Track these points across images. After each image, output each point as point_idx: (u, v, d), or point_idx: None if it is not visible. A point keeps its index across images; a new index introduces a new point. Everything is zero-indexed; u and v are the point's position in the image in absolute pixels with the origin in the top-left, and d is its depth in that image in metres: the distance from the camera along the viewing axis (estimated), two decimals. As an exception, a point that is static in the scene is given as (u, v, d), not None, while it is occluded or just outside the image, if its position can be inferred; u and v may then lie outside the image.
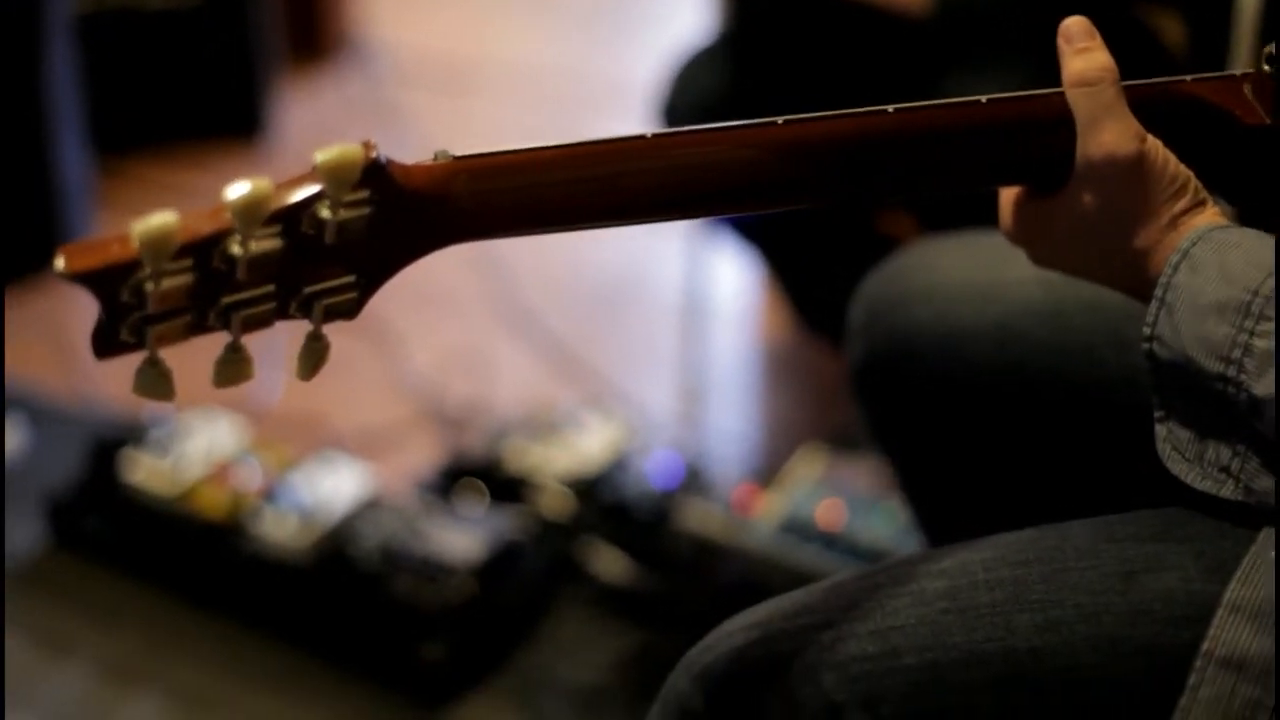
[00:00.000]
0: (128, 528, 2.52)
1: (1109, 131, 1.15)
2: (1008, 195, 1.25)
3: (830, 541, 2.37)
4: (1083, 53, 1.17)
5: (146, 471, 2.52)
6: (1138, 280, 1.18)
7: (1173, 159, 1.17)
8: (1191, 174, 1.17)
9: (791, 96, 2.46)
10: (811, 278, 2.81)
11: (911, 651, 1.16)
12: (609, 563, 2.45)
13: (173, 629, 2.45)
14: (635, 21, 5.24)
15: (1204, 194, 1.17)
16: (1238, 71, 1.24)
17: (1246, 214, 1.27)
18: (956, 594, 1.17)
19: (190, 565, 2.49)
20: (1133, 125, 1.16)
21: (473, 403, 2.93)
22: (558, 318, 3.28)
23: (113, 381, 2.79)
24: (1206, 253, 1.11)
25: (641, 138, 1.11)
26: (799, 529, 2.40)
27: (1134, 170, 1.15)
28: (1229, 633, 1.08)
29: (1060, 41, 1.19)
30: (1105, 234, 1.18)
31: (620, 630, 2.41)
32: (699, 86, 2.56)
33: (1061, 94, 1.18)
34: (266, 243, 0.98)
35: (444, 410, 2.93)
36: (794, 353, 3.30)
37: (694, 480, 2.57)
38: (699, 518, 2.44)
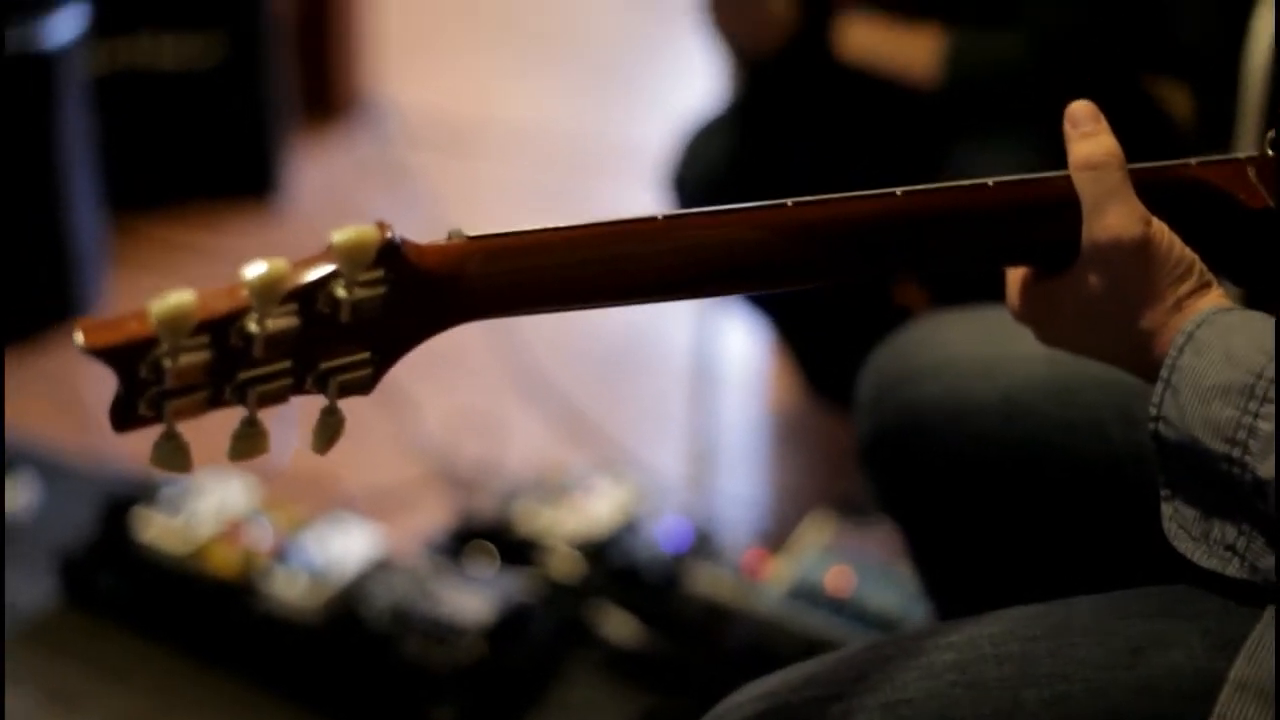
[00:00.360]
0: (139, 586, 2.53)
1: (1114, 215, 1.17)
2: (1014, 275, 1.26)
3: (839, 607, 2.38)
4: (1088, 137, 1.19)
5: (158, 530, 2.53)
6: (1143, 361, 1.19)
7: (1178, 242, 1.18)
8: (1196, 256, 1.19)
9: (801, 168, 2.49)
10: (822, 345, 2.82)
11: (921, 724, 1.17)
12: (618, 626, 2.46)
13: (183, 688, 2.46)
14: (644, 84, 5.27)
15: (1209, 276, 1.18)
16: (1242, 155, 1.26)
17: (1252, 296, 1.28)
18: (965, 668, 1.18)
19: (201, 624, 2.50)
20: (1138, 209, 1.17)
21: (483, 465, 2.95)
22: (568, 381, 3.30)
23: (125, 440, 2.79)
24: (1211, 335, 1.13)
25: (653, 219, 1.13)
26: (808, 594, 2.41)
27: (1139, 253, 1.17)
28: (1235, 710, 1.09)
29: (1066, 125, 1.20)
30: (1111, 315, 1.20)
31: (629, 694, 2.42)
32: (708, 158, 2.57)
33: (1067, 177, 1.19)
34: (283, 321, 0.99)
35: (455, 472, 2.94)
36: (803, 419, 3.31)
37: (703, 544, 2.58)
38: (708, 582, 2.45)
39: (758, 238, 1.15)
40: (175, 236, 3.87)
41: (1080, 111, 1.21)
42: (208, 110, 3.99)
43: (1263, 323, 1.13)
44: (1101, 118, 1.20)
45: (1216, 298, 1.18)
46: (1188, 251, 1.18)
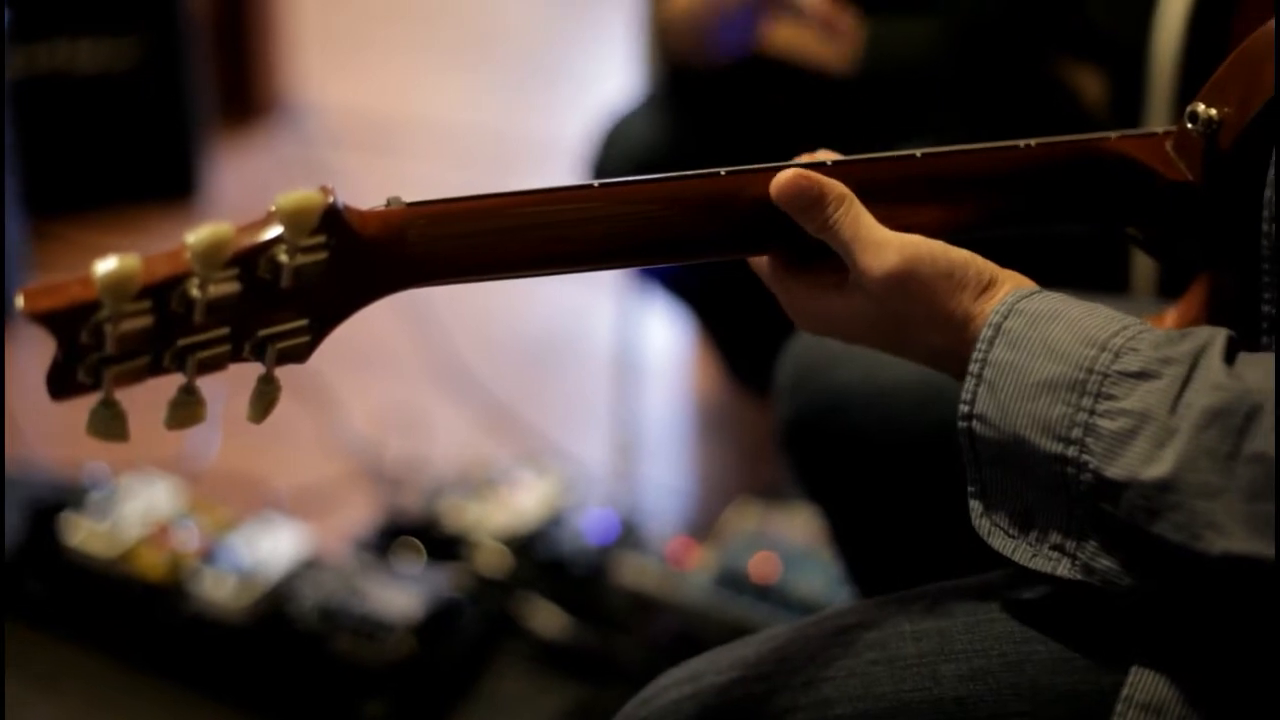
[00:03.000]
0: (67, 591, 2.53)
1: (867, 255, 1.15)
2: (790, 294, 1.23)
3: (764, 594, 2.40)
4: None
5: (85, 534, 2.52)
6: (945, 363, 1.18)
7: (943, 252, 1.15)
8: (971, 256, 1.16)
9: (720, 154, 2.50)
10: (743, 333, 2.84)
11: (842, 702, 1.18)
12: (546, 619, 2.47)
13: (114, 692, 2.45)
14: (564, 80, 5.27)
15: (990, 272, 1.16)
16: (1159, 129, 1.27)
17: (1168, 269, 1.30)
18: (884, 645, 1.20)
19: (130, 627, 2.49)
20: (888, 240, 1.15)
21: (409, 461, 2.95)
22: (492, 375, 3.30)
23: (49, 445, 2.79)
24: (1022, 326, 1.11)
25: (589, 186, 1.15)
26: (734, 582, 2.42)
27: (904, 283, 1.15)
28: (1147, 678, 1.11)
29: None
30: (893, 335, 1.19)
31: (559, 685, 2.42)
32: (628, 146, 2.58)
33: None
34: (225, 286, 0.99)
35: (381, 469, 2.94)
36: (726, 407, 3.33)
37: (629, 535, 2.59)
38: (635, 572, 2.46)
39: (694, 204, 1.17)
40: (97, 240, 3.85)
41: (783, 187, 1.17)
42: (126, 113, 3.97)
43: (1074, 307, 1.12)
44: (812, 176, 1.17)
45: (1010, 286, 1.15)
46: (957, 256, 1.16)
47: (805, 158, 1.22)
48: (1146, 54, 2.63)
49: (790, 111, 2.54)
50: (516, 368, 3.42)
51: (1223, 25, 2.70)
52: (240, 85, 4.57)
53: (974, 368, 1.12)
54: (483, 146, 4.61)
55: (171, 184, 4.08)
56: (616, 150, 2.60)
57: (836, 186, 1.16)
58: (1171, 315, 1.32)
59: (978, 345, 1.12)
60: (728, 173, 1.17)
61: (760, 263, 1.24)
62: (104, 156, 3.99)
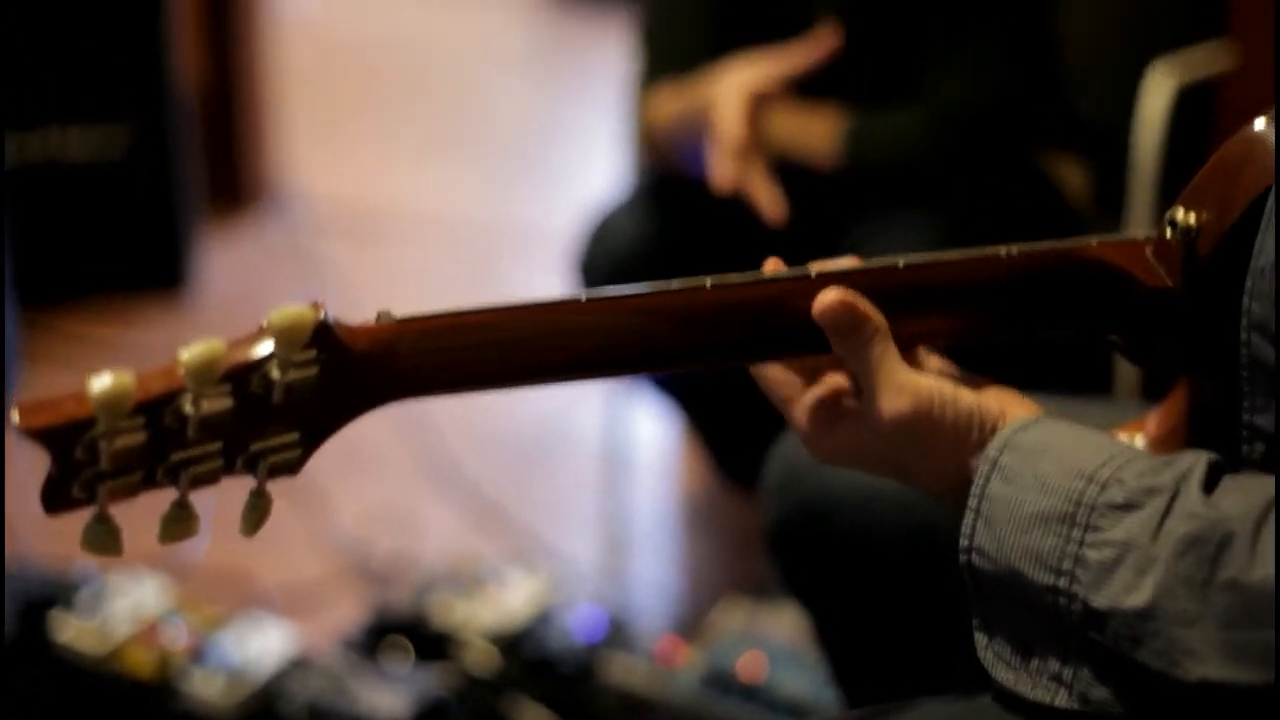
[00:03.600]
0: (56, 688, 2.52)
1: (882, 395, 1.18)
2: (807, 421, 1.25)
3: (751, 694, 2.39)
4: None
5: (74, 631, 2.52)
6: (947, 500, 1.20)
7: (953, 400, 1.19)
8: (977, 404, 1.19)
9: (706, 251, 2.51)
10: (731, 431, 2.84)
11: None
12: (535, 718, 2.47)
13: (102, 790, 2.45)
14: (550, 169, 5.30)
15: (991, 423, 1.18)
16: (1140, 235, 1.28)
17: (1150, 375, 1.31)
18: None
19: (119, 726, 2.49)
20: (905, 382, 1.18)
21: (397, 558, 2.95)
22: (480, 471, 3.31)
23: (39, 540, 2.79)
24: (1016, 461, 1.13)
25: (576, 300, 1.15)
26: (721, 681, 2.41)
27: (912, 426, 1.18)
28: None
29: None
30: (897, 473, 1.22)
31: (548, 785, 2.43)
32: (614, 244, 2.58)
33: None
34: (218, 402, 1.00)
35: (369, 567, 2.94)
36: (715, 503, 3.33)
37: (618, 633, 2.58)
38: (623, 671, 2.46)
39: (680, 318, 1.17)
40: (86, 331, 3.86)
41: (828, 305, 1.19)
42: (116, 202, 4.00)
43: (1064, 438, 1.14)
44: (860, 298, 1.19)
45: (1009, 423, 1.18)
46: (964, 408, 1.19)
47: (771, 262, 1.24)
48: (1129, 145, 2.66)
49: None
50: (505, 464, 3.42)
51: (1204, 118, 2.73)
52: (229, 174, 4.59)
53: (972, 502, 1.14)
54: (470, 236, 4.63)
55: (160, 273, 4.10)
56: (602, 248, 2.60)
57: (876, 318, 1.18)
58: (1153, 420, 1.33)
59: (976, 480, 1.14)
60: (713, 284, 1.18)
61: (774, 391, 1.26)
62: (94, 246, 4.01)
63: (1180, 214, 1.23)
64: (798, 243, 2.49)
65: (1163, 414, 1.33)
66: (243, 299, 4.13)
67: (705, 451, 3.03)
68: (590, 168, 5.02)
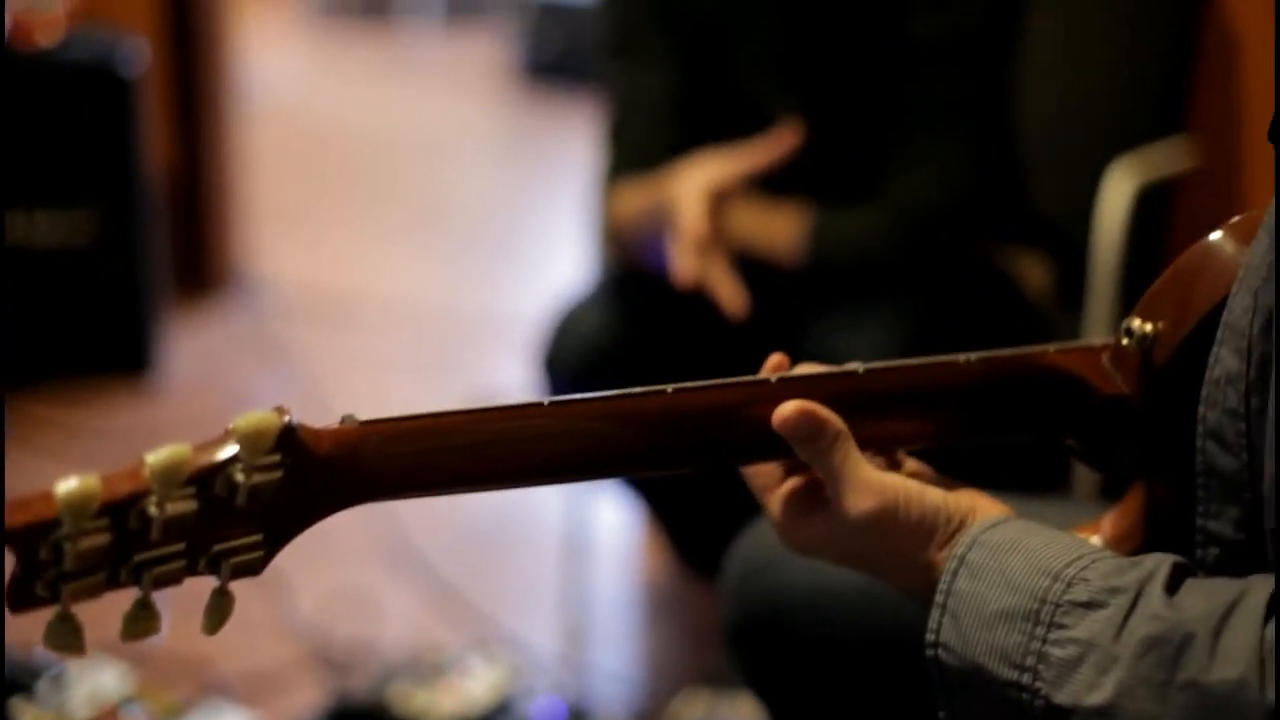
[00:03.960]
0: (13, 776, 2.52)
1: (846, 495, 1.20)
2: (780, 510, 1.27)
3: (710, 786, 2.40)
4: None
5: (33, 719, 2.51)
6: (915, 594, 1.22)
7: (917, 498, 1.20)
8: (943, 502, 1.21)
9: (669, 347, 2.52)
10: (690, 518, 2.84)
11: None
12: (494, 809, 2.47)
13: None
14: (515, 255, 5.33)
15: (958, 519, 1.20)
16: (1098, 342, 1.30)
17: (1108, 480, 1.32)
18: None
19: (76, 813, 2.48)
20: (869, 483, 1.20)
21: (358, 645, 2.95)
22: (441, 558, 3.31)
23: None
24: (983, 558, 1.15)
25: (538, 404, 1.16)
26: (681, 771, 2.43)
27: (876, 525, 1.19)
28: None
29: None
30: (866, 567, 1.25)
31: None
32: (578, 338, 2.59)
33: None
34: (182, 504, 1.01)
35: (329, 653, 2.94)
36: (676, 592, 3.33)
37: (577, 723, 2.60)
38: (582, 761, 2.47)
39: (642, 423, 1.19)
40: (51, 415, 3.86)
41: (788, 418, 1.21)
42: (82, 287, 4.01)
43: (1033, 537, 1.16)
44: (817, 408, 1.20)
45: (978, 521, 1.20)
46: (930, 505, 1.21)
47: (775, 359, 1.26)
48: (1090, 242, 2.68)
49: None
50: (466, 549, 3.42)
51: (1165, 216, 2.76)
52: (196, 259, 4.61)
53: (939, 598, 1.16)
54: (436, 322, 4.64)
55: (126, 358, 4.11)
56: (567, 342, 2.61)
57: (834, 423, 1.19)
58: (1108, 521, 1.34)
59: (943, 576, 1.16)
60: (674, 390, 1.19)
61: (752, 479, 1.28)
62: (60, 330, 4.01)
63: (1137, 323, 1.25)
64: (760, 337, 2.51)
65: (1118, 515, 1.34)
66: (208, 384, 4.14)
67: (666, 541, 3.03)
68: (557, 255, 5.04)
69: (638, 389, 1.19)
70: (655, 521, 3.02)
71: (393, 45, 8.54)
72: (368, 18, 8.86)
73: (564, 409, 1.17)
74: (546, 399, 1.17)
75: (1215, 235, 1.23)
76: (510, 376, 3.83)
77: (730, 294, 2.30)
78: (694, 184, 2.37)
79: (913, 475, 1.26)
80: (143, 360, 4.11)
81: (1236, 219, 1.23)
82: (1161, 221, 2.83)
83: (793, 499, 1.25)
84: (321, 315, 4.63)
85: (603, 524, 3.39)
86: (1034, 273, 2.72)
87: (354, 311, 4.68)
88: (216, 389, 4.10)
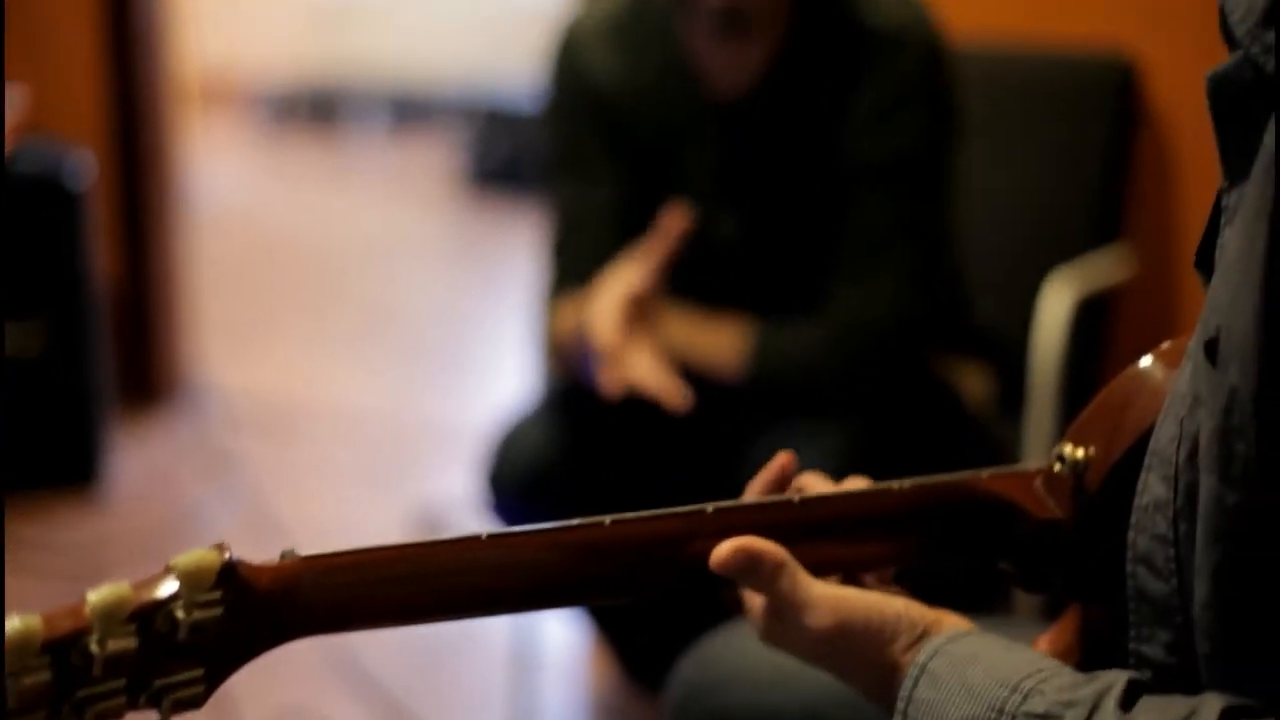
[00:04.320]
0: None
1: (805, 617, 1.21)
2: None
3: None
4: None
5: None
6: (879, 702, 1.23)
7: (877, 608, 1.22)
8: (903, 608, 1.22)
9: (612, 462, 2.53)
10: (636, 631, 2.85)
11: None
12: None
13: None
14: (463, 365, 5.34)
15: (924, 623, 1.22)
16: (1032, 467, 1.31)
17: (1047, 602, 1.33)
18: None
19: None
20: (822, 600, 1.21)
21: (304, 761, 2.94)
22: (389, 672, 3.30)
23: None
24: (944, 667, 1.17)
25: (477, 538, 1.17)
26: None
27: (836, 640, 1.21)
28: None
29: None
30: (832, 671, 1.25)
31: None
32: (523, 455, 2.60)
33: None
34: (123, 641, 1.02)
35: (275, 770, 2.93)
36: (622, 705, 3.33)
37: (523, 839, 2.59)
38: None
39: (582, 555, 1.20)
40: (-3, 527, 3.85)
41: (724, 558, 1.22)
42: (28, 399, 4.00)
43: (995, 649, 1.17)
44: (753, 545, 1.22)
45: (946, 630, 1.22)
46: (890, 611, 1.22)
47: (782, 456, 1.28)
48: (1029, 352, 2.70)
49: (680, 417, 2.57)
50: (413, 663, 3.41)
51: (1102, 325, 2.79)
52: (142, 369, 4.61)
53: (900, 705, 1.17)
54: (383, 431, 4.65)
55: (72, 471, 4.10)
56: (510, 460, 2.61)
57: (773, 553, 1.21)
58: (1045, 641, 1.35)
59: (904, 684, 1.18)
60: (612, 521, 1.20)
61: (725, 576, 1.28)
62: (5, 442, 3.99)
63: (1069, 448, 1.27)
64: (705, 450, 2.53)
65: (1054, 636, 1.35)
66: (155, 496, 4.13)
67: (613, 654, 3.03)
68: (503, 363, 5.06)
69: (576, 521, 1.20)
70: (602, 636, 3.03)
71: (339, 152, 8.59)
72: (314, 124, 8.90)
73: (503, 541, 1.18)
74: (485, 532, 1.18)
75: (1144, 361, 1.25)
76: (457, 487, 3.83)
77: (666, 389, 2.31)
78: (605, 298, 2.38)
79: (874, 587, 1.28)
80: (89, 472, 4.11)
81: (1166, 345, 1.26)
82: (1100, 329, 2.86)
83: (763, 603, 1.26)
84: (268, 425, 4.63)
85: (550, 637, 3.39)
86: (974, 382, 2.74)
87: (300, 421, 4.69)
88: (163, 501, 4.09)
